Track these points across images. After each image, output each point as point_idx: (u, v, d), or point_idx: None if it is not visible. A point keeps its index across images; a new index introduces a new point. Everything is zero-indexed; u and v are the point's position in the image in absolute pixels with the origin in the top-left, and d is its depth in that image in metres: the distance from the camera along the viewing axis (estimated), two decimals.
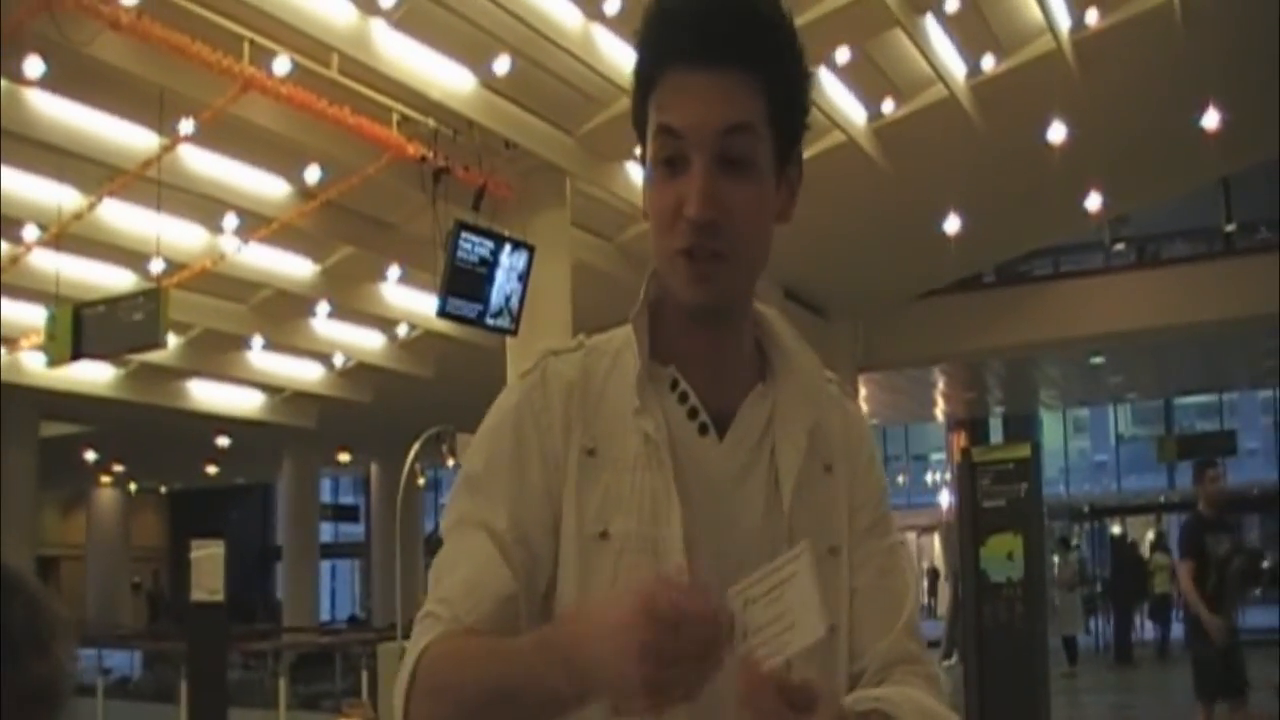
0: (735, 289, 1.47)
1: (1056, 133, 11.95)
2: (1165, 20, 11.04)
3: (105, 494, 29.05)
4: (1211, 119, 12.19)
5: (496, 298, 10.60)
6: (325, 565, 29.62)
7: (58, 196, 10.84)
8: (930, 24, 10.79)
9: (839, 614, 1.50)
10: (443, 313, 10.63)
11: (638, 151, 1.50)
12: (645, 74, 1.46)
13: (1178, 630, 21.30)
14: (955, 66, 11.51)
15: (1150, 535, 27.03)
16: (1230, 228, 18.89)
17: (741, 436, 1.50)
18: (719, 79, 1.40)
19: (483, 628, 1.40)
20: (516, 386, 1.54)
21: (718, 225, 1.40)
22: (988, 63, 11.59)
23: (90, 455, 23.79)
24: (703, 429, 1.49)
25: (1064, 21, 11.20)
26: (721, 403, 1.51)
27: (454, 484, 1.55)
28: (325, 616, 28.85)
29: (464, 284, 10.34)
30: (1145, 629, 21.99)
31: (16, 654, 1.34)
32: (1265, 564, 25.38)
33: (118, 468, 26.80)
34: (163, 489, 30.72)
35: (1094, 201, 14.33)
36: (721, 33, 1.40)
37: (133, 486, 29.13)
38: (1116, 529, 28.66)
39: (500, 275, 10.57)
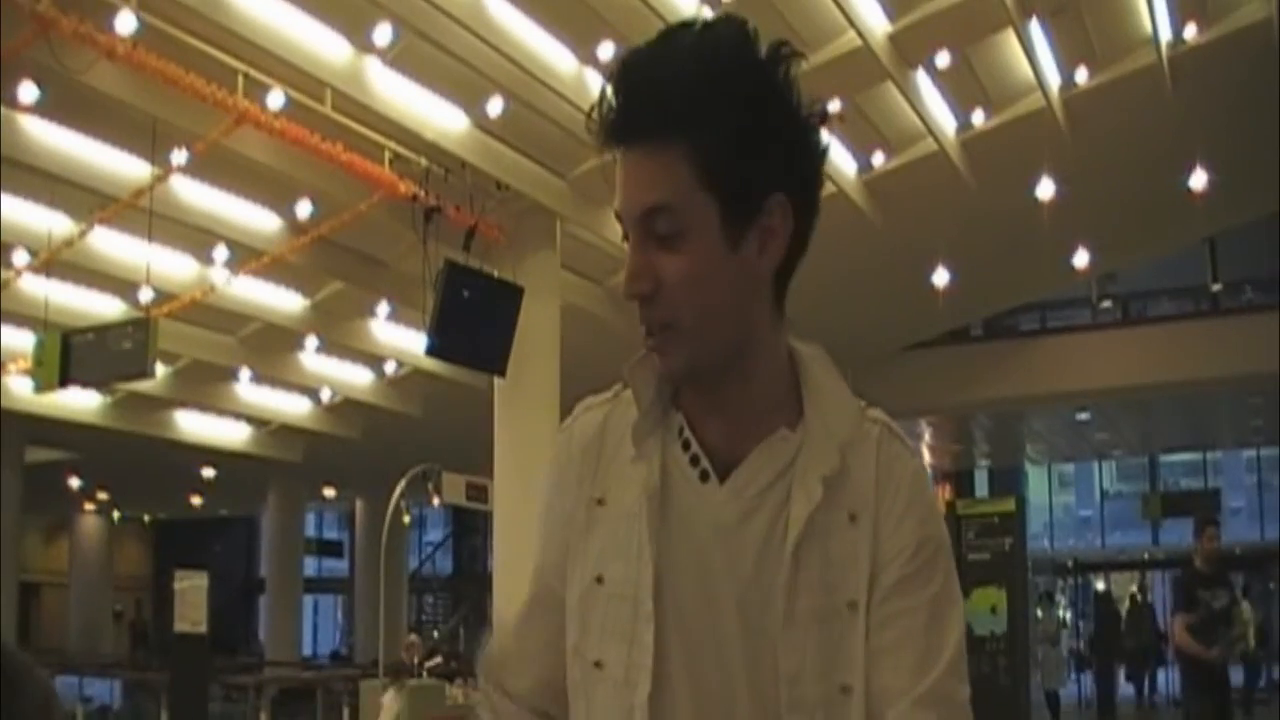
0: (701, 355, 1.45)
1: (1045, 189, 12.05)
2: (1154, 81, 11.16)
3: (89, 521, 28.94)
4: (1199, 179, 12.29)
5: (485, 338, 10.63)
6: (308, 600, 29.47)
7: (49, 223, 10.87)
8: (921, 78, 10.89)
9: (853, 673, 1.45)
10: (431, 351, 10.66)
11: None
12: (600, 144, 1.46)
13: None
14: (945, 121, 11.61)
15: (1134, 590, 27.01)
16: (1216, 287, 19.01)
17: (745, 483, 1.48)
18: (635, 159, 1.41)
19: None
20: (554, 446, 1.60)
21: (656, 298, 1.42)
22: (978, 118, 11.70)
23: (74, 482, 23.73)
24: (704, 476, 1.49)
25: (1054, 79, 11.31)
26: (734, 449, 1.49)
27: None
28: (307, 651, 28.72)
29: (453, 323, 10.35)
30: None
31: None
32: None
33: (102, 496, 26.73)
34: (146, 518, 30.60)
35: (1081, 258, 14.42)
36: (631, 113, 1.40)
37: (116, 515, 29.04)
38: (1100, 585, 28.63)
39: (489, 316, 10.60)
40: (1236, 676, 21.11)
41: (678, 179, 1.40)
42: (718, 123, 1.40)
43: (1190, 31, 10.99)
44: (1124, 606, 24.06)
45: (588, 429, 1.56)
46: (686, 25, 1.45)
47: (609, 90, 1.43)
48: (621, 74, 1.43)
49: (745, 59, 1.43)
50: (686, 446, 1.50)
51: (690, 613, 1.45)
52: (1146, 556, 28.14)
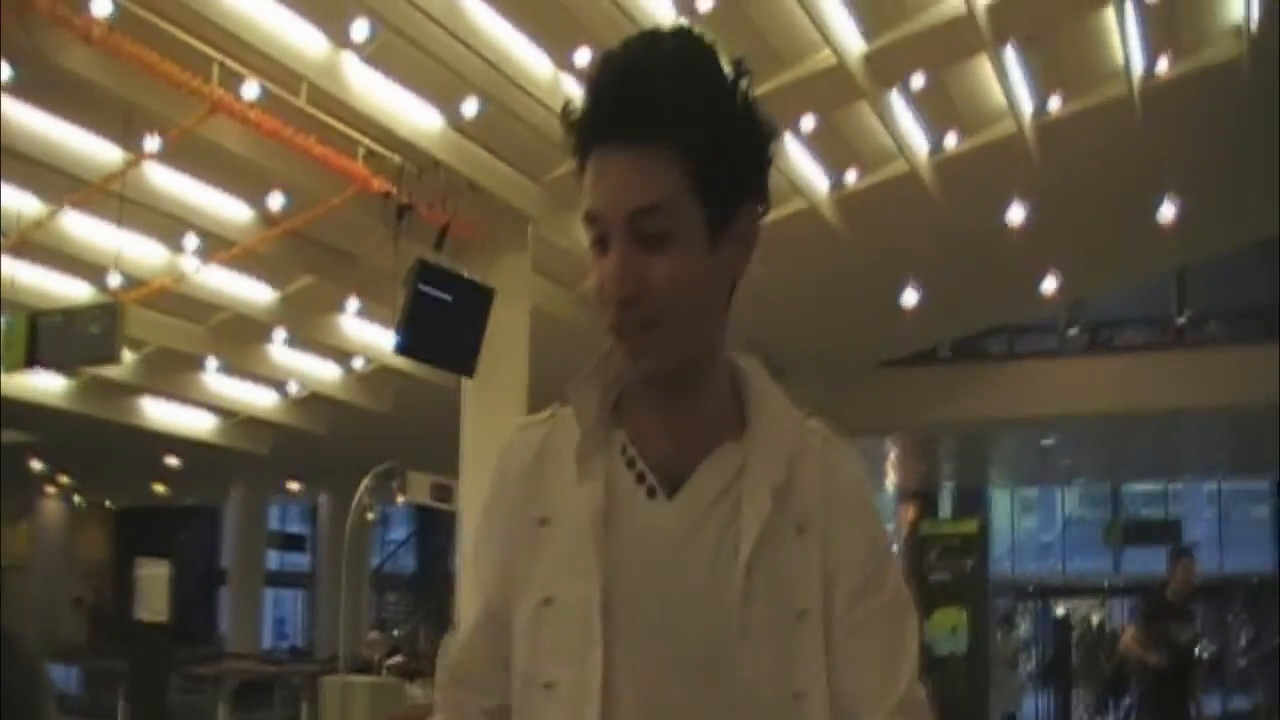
0: (673, 356, 1.47)
1: (1016, 214, 12.16)
2: (1125, 112, 11.26)
3: (50, 506, 28.77)
4: (1168, 211, 12.41)
5: (454, 338, 10.64)
6: (269, 593, 29.37)
7: (18, 203, 10.84)
8: (895, 99, 10.97)
9: (807, 681, 1.48)
10: (400, 349, 10.66)
11: None
12: (577, 154, 1.48)
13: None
14: (918, 142, 11.69)
15: (1095, 617, 27.15)
16: (1182, 319, 19.15)
17: (694, 497, 1.49)
18: (627, 158, 1.42)
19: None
20: (492, 470, 1.61)
21: (638, 300, 1.42)
22: (950, 141, 11.78)
23: (36, 465, 23.60)
24: (651, 492, 1.50)
25: (1027, 106, 11.40)
26: (682, 463, 1.50)
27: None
28: (268, 644, 28.61)
29: (423, 322, 10.35)
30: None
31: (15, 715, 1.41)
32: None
33: (64, 480, 26.58)
34: (109, 504, 30.43)
35: (1050, 284, 14.52)
36: (628, 111, 1.42)
37: (78, 500, 28.88)
38: (1060, 609, 28.77)
39: (459, 316, 10.60)
40: (1213, 706, 21.29)
41: (668, 180, 1.42)
42: (706, 126, 1.43)
43: (1163, 65, 11.10)
44: (1074, 633, 24.28)
45: (525, 449, 1.56)
46: (663, 31, 1.48)
47: (595, 87, 1.45)
48: (609, 72, 1.44)
49: (722, 69, 1.47)
50: (631, 464, 1.51)
51: (643, 630, 1.46)
52: (1107, 583, 28.28)
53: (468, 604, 1.64)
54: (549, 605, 1.48)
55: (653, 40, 1.46)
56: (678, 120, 1.42)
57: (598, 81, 1.45)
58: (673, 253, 1.43)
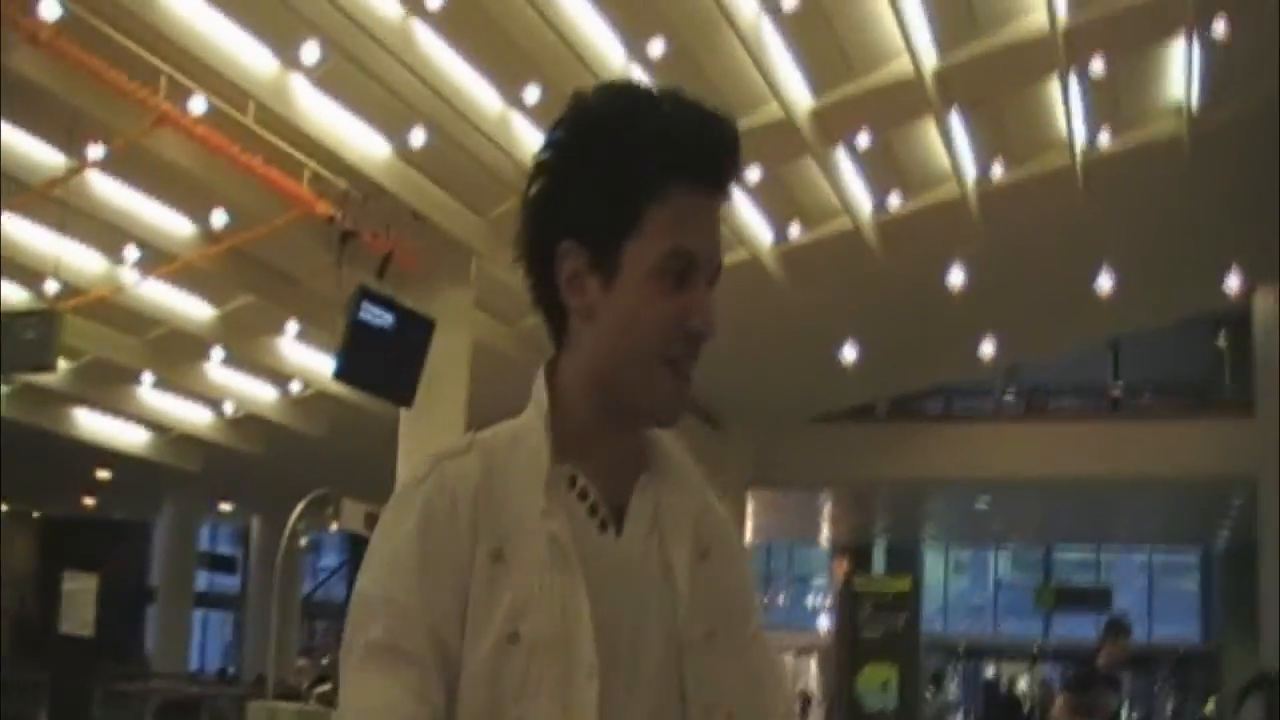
0: None
1: (956, 276, 12.30)
2: (1067, 181, 11.45)
3: None
4: (1105, 281, 12.60)
5: (393, 367, 10.62)
6: (197, 614, 29.01)
7: None
8: (841, 156, 11.09)
9: (729, 698, 1.52)
10: (339, 375, 10.63)
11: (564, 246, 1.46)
12: (642, 180, 1.45)
13: None
14: (862, 200, 11.82)
15: (1023, 681, 27.30)
16: (1116, 390, 19.39)
17: (635, 529, 1.51)
18: (715, 210, 1.50)
19: None
20: (413, 496, 1.49)
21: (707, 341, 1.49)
22: (894, 200, 11.91)
23: None
24: (602, 525, 1.50)
25: (970, 170, 11.56)
26: (614, 495, 1.52)
27: (351, 611, 1.48)
28: (194, 666, 28.25)
29: (362, 349, 10.33)
30: None
31: None
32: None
33: None
34: (36, 514, 30.00)
35: (988, 348, 14.67)
36: (735, 165, 1.49)
37: (5, 507, 28.47)
38: (990, 671, 28.90)
39: (399, 346, 10.59)
40: None
41: None
42: None
43: (1104, 138, 11.29)
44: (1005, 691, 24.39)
45: (465, 477, 1.49)
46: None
47: (708, 129, 1.47)
48: (718, 120, 1.48)
49: None
50: (583, 496, 1.51)
51: (614, 661, 1.45)
52: (1037, 648, 28.46)
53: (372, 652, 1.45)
54: (514, 642, 1.43)
55: (696, 97, 1.51)
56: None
57: (689, 120, 1.47)
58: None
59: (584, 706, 1.42)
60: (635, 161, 1.44)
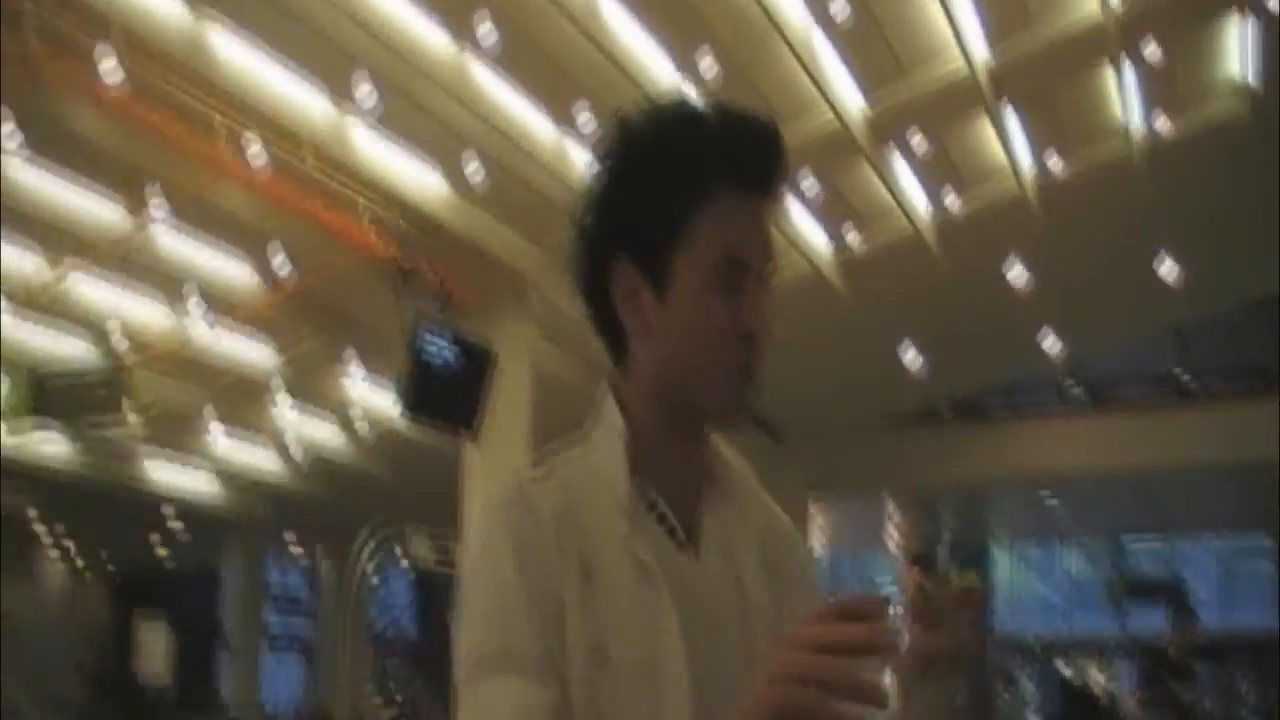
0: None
1: (1016, 272, 12.23)
2: (1125, 171, 11.35)
3: (51, 568, 28.63)
4: (1168, 268, 12.49)
5: (457, 400, 10.65)
6: (270, 657, 29.14)
7: (21, 262, 10.84)
8: (896, 158, 11.04)
9: None
10: (404, 411, 10.67)
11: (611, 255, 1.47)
12: (689, 184, 1.46)
13: None
14: (919, 201, 11.76)
15: (1100, 676, 26.99)
16: (1183, 376, 19.16)
17: (710, 549, 1.51)
18: (764, 210, 1.48)
19: None
20: (502, 517, 1.48)
21: (762, 342, 1.47)
22: (951, 200, 11.84)
23: (38, 527, 23.50)
24: (681, 546, 1.49)
25: (1027, 164, 11.48)
26: (681, 513, 1.51)
27: (459, 634, 1.48)
28: (269, 709, 28.36)
29: (426, 385, 10.38)
30: None
31: None
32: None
33: (65, 542, 26.47)
34: (110, 567, 30.28)
35: (1051, 342, 14.56)
36: (781, 167, 1.49)
37: (80, 563, 28.75)
38: (1064, 668, 28.60)
39: (462, 380, 10.62)
40: None
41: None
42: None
43: (1162, 123, 11.18)
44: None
45: (551, 499, 1.49)
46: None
47: (751, 132, 1.49)
48: (762, 123, 1.49)
49: None
50: (662, 519, 1.50)
51: (704, 683, 1.44)
52: (1113, 642, 28.16)
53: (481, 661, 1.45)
54: (605, 664, 1.43)
55: (742, 105, 1.51)
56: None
57: (733, 125, 1.48)
58: (767, 301, 1.50)
59: None
60: (679, 172, 1.46)
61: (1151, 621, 23.27)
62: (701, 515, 1.52)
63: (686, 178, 1.46)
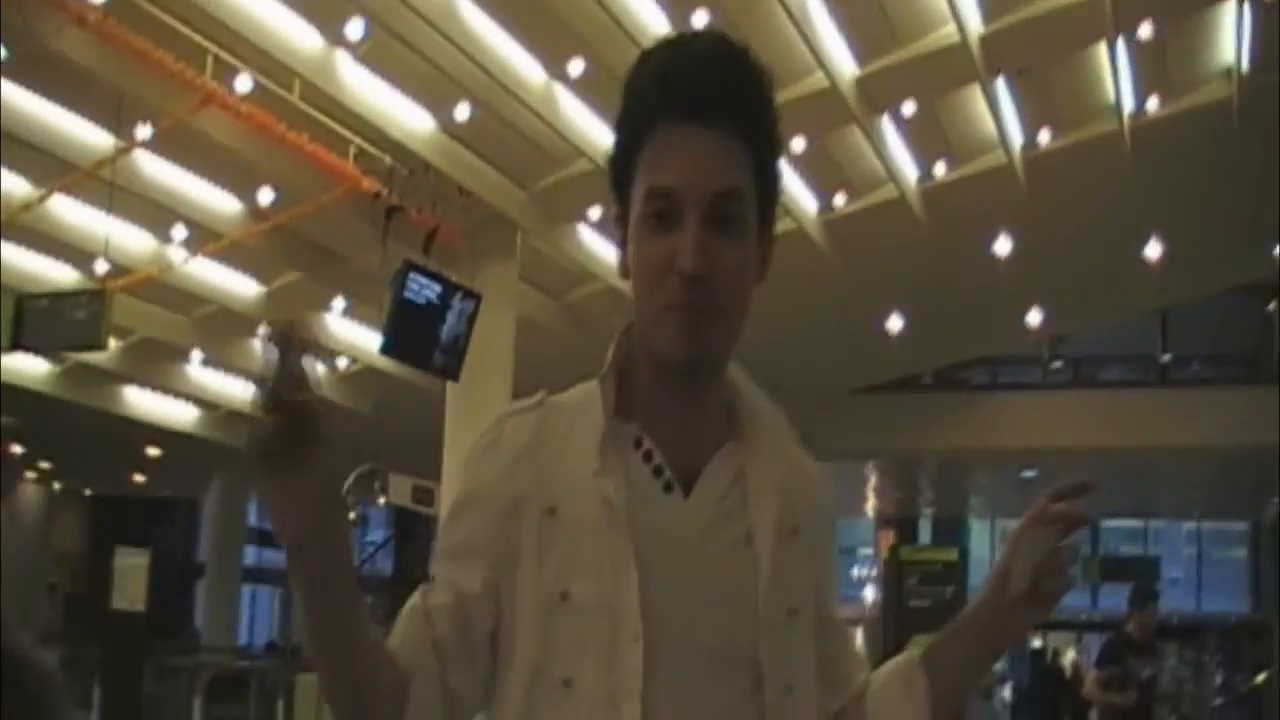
0: (719, 345, 1.48)
1: (1002, 245, 12.23)
2: (1114, 148, 11.33)
3: (28, 491, 28.70)
4: (1154, 250, 12.50)
5: (440, 342, 10.66)
6: (246, 589, 29.28)
7: (6, 185, 10.83)
8: (886, 124, 11.01)
9: (795, 674, 1.51)
10: (386, 351, 10.68)
11: (601, 211, 1.56)
12: (634, 128, 1.48)
13: None
14: (908, 169, 11.74)
15: (1070, 651, 27.16)
16: (1166, 358, 19.22)
17: (707, 494, 1.50)
18: (714, 138, 1.43)
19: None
20: (474, 448, 1.55)
21: (708, 281, 1.42)
22: (940, 169, 11.82)
23: (16, 449, 23.53)
24: (667, 487, 1.49)
25: (1016, 138, 11.46)
26: (689, 460, 1.50)
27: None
28: (243, 640, 28.51)
29: (408, 324, 10.37)
30: None
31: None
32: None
33: (43, 465, 26.52)
34: (87, 491, 30.33)
35: (1035, 317, 14.58)
36: (719, 92, 1.43)
37: (57, 486, 28.81)
38: (1037, 643, 28.79)
39: (445, 320, 10.62)
40: None
41: (744, 167, 1.46)
42: (771, 126, 1.50)
43: (1153, 103, 11.16)
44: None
45: (518, 434, 1.52)
46: (710, 30, 1.53)
47: (670, 65, 1.47)
48: (688, 53, 1.47)
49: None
50: (648, 458, 1.50)
51: (670, 626, 1.44)
52: (1085, 618, 28.35)
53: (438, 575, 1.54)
54: (565, 601, 1.44)
55: (722, 37, 1.50)
56: (753, 109, 1.47)
57: (673, 61, 1.47)
58: (739, 241, 1.45)
59: (629, 670, 1.42)
60: (630, 107, 1.48)
61: (1124, 600, 23.40)
62: (706, 461, 1.52)
63: (634, 113, 1.48)
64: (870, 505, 26.40)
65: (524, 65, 9.59)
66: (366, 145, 10.26)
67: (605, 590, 1.43)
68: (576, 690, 1.43)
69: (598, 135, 9.82)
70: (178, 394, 17.29)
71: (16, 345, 11.07)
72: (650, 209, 1.44)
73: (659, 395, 1.51)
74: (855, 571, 30.72)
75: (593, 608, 1.44)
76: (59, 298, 10.95)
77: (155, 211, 11.51)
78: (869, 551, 29.73)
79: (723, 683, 1.47)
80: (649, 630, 1.42)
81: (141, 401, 17.54)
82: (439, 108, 10.06)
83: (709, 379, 1.52)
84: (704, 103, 1.44)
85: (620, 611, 1.43)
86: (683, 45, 1.49)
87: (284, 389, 1.26)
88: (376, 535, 33.56)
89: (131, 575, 14.92)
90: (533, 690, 1.46)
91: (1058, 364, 19.91)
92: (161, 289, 12.67)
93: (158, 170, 10.94)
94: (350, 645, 1.38)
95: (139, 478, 26.09)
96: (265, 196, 11.21)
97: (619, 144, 1.50)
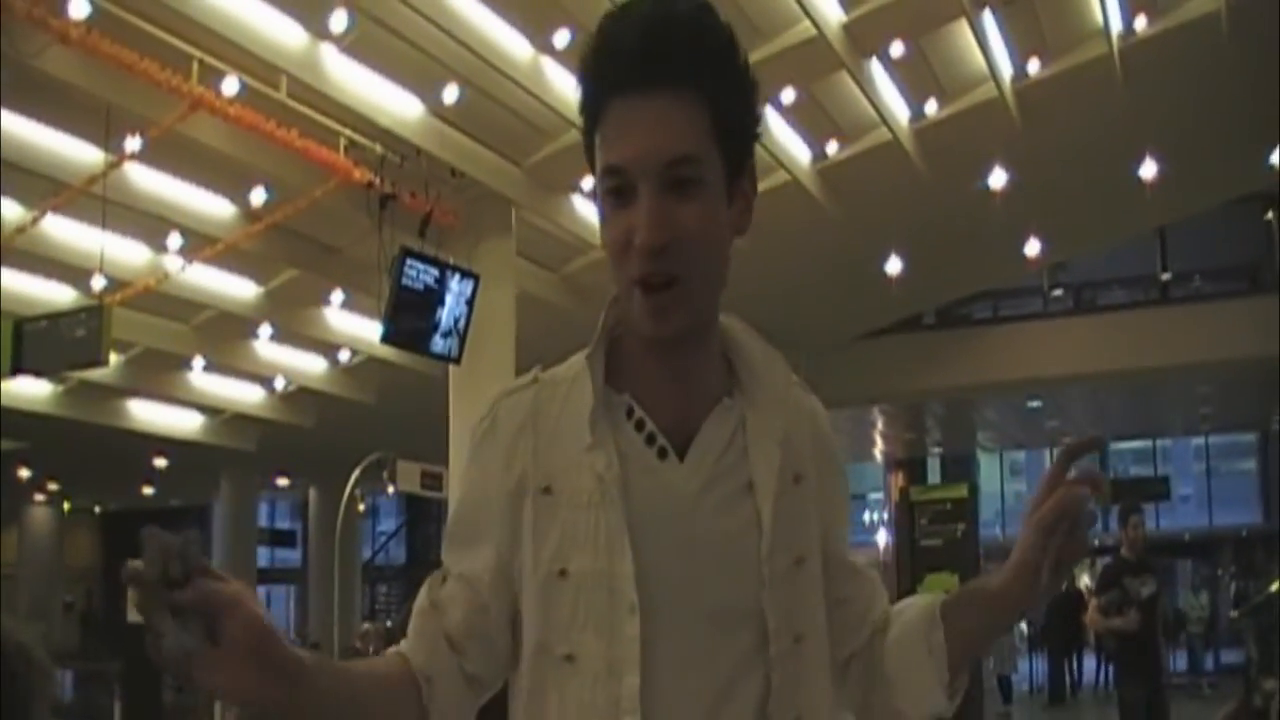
0: (694, 313, 1.47)
1: (997, 179, 12.20)
2: (1105, 72, 11.26)
3: (38, 512, 28.69)
4: (1149, 169, 12.46)
5: (440, 325, 10.64)
6: (261, 590, 29.31)
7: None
8: (875, 68, 10.94)
9: (805, 623, 1.51)
10: (386, 339, 10.65)
11: (591, 184, 1.53)
12: (589, 108, 1.47)
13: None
14: (899, 110, 11.67)
15: (1085, 576, 27.30)
16: (1166, 277, 19.21)
17: (703, 454, 1.50)
18: (659, 106, 1.41)
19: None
20: (473, 435, 1.56)
21: (670, 249, 1.40)
22: (931, 108, 11.77)
23: (24, 473, 23.48)
24: (661, 453, 1.49)
25: (1006, 70, 11.39)
26: (684, 422, 1.50)
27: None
28: None
29: (408, 311, 10.36)
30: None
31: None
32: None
33: (52, 486, 26.47)
34: (97, 509, 30.33)
35: (1033, 247, 14.55)
36: (657, 57, 1.40)
37: (66, 505, 28.79)
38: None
39: (444, 303, 10.60)
40: (1179, 662, 21.51)
41: (700, 129, 1.43)
42: (725, 76, 1.45)
43: (1141, 23, 11.09)
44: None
45: (514, 413, 1.52)
46: None
47: (612, 38, 1.44)
48: (627, 23, 1.43)
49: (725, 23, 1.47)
50: (640, 426, 1.50)
51: (667, 594, 1.45)
52: (1097, 543, 28.45)
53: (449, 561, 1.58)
54: (564, 577, 1.45)
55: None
56: (702, 67, 1.42)
57: (614, 33, 1.44)
58: (701, 202, 1.42)
59: (628, 641, 1.43)
60: (583, 86, 1.48)
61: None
62: (702, 421, 1.51)
63: (585, 92, 1.47)
64: (878, 449, 26.42)
65: (509, 40, 9.50)
66: (357, 136, 10.18)
67: (600, 565, 1.45)
68: (578, 664, 1.45)
69: None
70: (181, 402, 17.23)
71: (17, 370, 11.01)
72: (606, 186, 1.44)
73: (649, 362, 1.51)
74: (866, 516, 30.85)
75: (590, 583, 1.45)
76: (57, 318, 10.89)
77: (149, 222, 11.42)
78: (879, 495, 29.82)
79: (727, 641, 1.47)
80: (647, 599, 1.43)
81: (145, 413, 17.48)
82: (426, 91, 9.99)
83: (696, 343, 1.51)
84: (641, 71, 1.41)
85: (616, 584, 1.44)
86: (621, 16, 1.46)
87: (186, 665, 1.33)
88: (388, 524, 33.61)
89: None
90: (537, 667, 1.48)
91: (1058, 292, 19.90)
92: (159, 299, 12.58)
93: (149, 180, 10.84)
94: (353, 701, 1.43)
95: (148, 490, 26.07)
96: (258, 196, 11.13)
97: (582, 123, 1.49)
